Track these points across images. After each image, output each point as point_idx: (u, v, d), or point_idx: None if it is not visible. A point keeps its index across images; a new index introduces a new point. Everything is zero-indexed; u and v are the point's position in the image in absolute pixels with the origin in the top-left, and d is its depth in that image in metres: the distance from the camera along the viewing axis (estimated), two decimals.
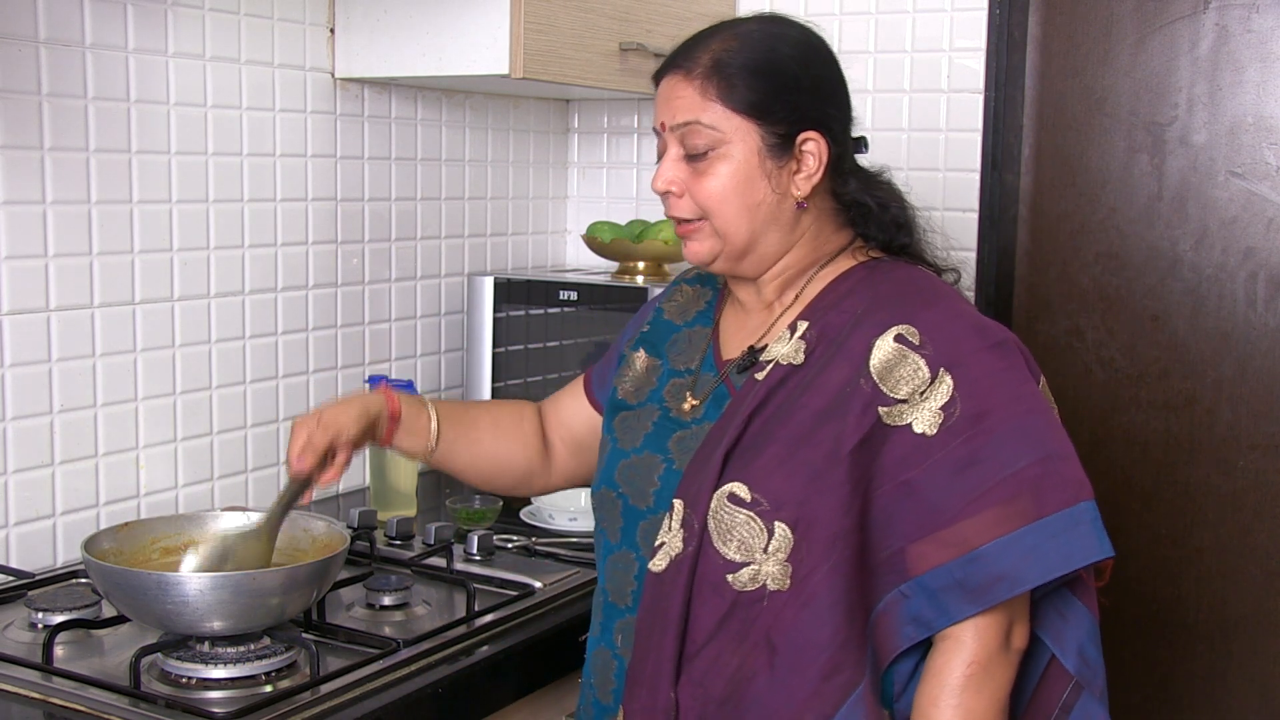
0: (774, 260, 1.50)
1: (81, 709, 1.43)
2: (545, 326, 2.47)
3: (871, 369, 1.37)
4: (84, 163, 1.90)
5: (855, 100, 1.53)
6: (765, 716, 1.37)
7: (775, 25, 1.49)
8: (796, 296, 1.50)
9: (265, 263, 2.20)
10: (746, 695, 1.37)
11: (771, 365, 1.45)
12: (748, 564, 1.37)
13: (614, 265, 2.63)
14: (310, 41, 2.24)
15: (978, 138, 2.50)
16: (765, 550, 1.36)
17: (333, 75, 2.29)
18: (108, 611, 1.67)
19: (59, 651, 1.55)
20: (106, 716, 1.41)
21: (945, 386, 1.35)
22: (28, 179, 1.83)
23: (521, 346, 2.49)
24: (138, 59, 1.96)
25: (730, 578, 1.38)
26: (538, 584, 1.83)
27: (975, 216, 2.51)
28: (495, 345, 2.48)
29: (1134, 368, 2.50)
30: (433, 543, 1.95)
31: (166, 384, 2.04)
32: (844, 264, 1.51)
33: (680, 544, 1.41)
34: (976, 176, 2.51)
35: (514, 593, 1.80)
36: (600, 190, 2.92)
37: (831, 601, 1.35)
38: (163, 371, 2.04)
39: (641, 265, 2.55)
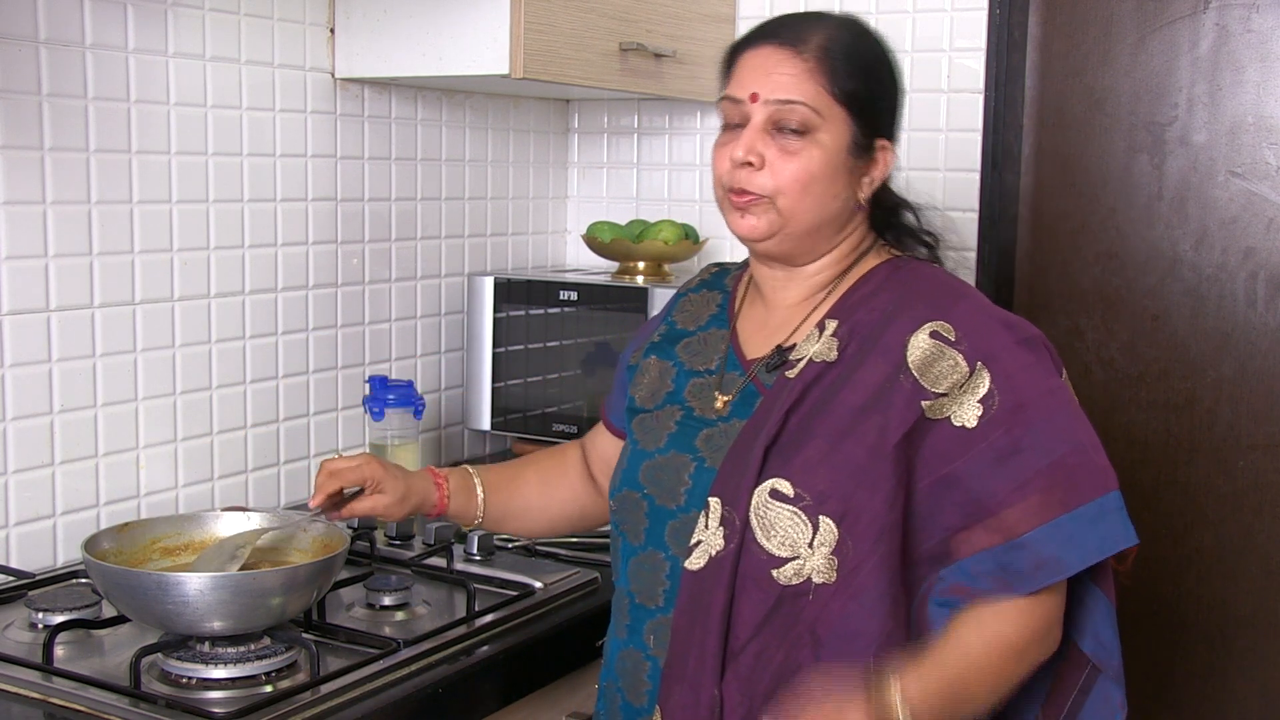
0: (822, 254, 1.51)
1: (81, 709, 1.43)
2: (545, 326, 2.47)
3: (910, 365, 1.39)
4: (84, 163, 1.90)
5: None
6: None
7: (868, 31, 1.51)
8: (826, 295, 1.51)
9: (265, 263, 2.20)
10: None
11: (804, 362, 1.45)
12: (793, 559, 1.37)
13: (614, 265, 2.63)
14: (310, 41, 2.24)
15: (978, 138, 2.50)
16: (810, 545, 1.37)
17: (333, 75, 2.29)
18: (108, 611, 1.66)
19: (59, 651, 1.55)
20: (106, 716, 1.41)
21: (984, 380, 1.38)
22: (28, 179, 1.83)
23: (521, 346, 2.48)
24: (138, 59, 1.96)
25: (775, 573, 1.38)
26: (538, 584, 1.83)
27: (975, 216, 2.51)
28: (495, 345, 2.48)
29: (1134, 368, 2.50)
30: (433, 543, 1.95)
31: (166, 384, 2.04)
32: (868, 263, 1.53)
33: (721, 542, 1.41)
34: (976, 176, 2.51)
35: (514, 593, 1.80)
36: (600, 190, 2.92)
37: (879, 594, 1.36)
38: (163, 371, 2.04)
39: (641, 265, 2.55)
